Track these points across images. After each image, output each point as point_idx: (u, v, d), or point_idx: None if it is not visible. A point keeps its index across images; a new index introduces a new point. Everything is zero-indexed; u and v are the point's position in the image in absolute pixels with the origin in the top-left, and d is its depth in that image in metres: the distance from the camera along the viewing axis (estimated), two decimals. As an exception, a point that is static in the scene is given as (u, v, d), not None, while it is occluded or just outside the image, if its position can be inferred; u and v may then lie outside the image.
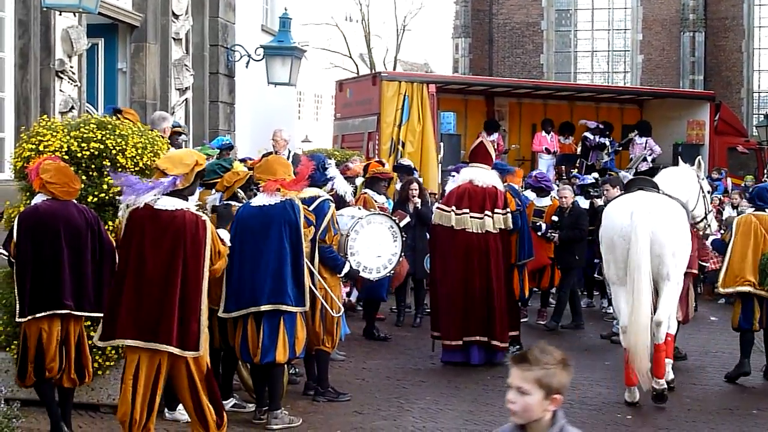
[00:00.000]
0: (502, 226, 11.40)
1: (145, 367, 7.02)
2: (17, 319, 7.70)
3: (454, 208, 11.45)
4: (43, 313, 7.53)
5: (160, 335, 6.98)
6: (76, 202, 7.73)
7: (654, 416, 9.39)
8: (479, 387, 10.43)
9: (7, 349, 8.33)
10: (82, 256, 7.54)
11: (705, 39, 36.15)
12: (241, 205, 8.79)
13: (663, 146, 22.52)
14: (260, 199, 8.53)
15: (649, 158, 22.25)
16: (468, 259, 11.35)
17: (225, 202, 8.90)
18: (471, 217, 11.36)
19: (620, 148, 22.86)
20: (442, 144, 15.91)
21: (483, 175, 11.56)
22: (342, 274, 9.52)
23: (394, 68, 45.24)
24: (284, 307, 8.39)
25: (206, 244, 7.12)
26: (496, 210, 11.37)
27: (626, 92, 27.03)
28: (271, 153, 13.46)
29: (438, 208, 11.83)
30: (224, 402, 8.05)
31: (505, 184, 12.09)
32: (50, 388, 7.74)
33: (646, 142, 22.42)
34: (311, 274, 8.90)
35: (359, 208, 11.17)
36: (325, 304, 9.23)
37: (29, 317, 7.55)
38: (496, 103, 23.71)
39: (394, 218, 10.94)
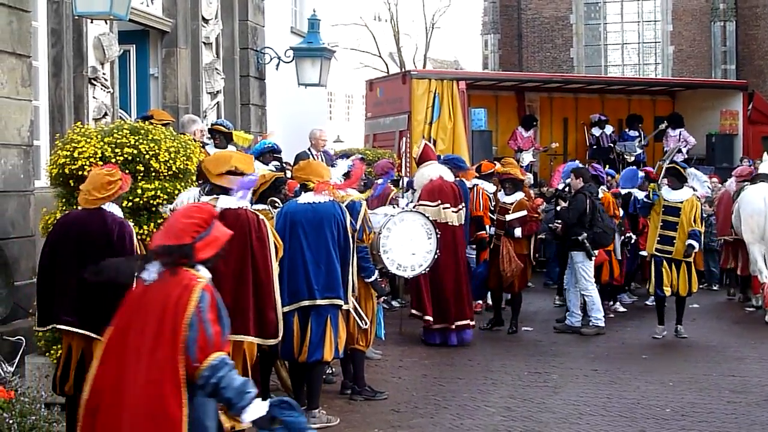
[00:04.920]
0: (462, 221, 12.36)
1: None
2: (34, 327, 7.72)
3: (439, 202, 12.07)
4: (45, 327, 7.47)
5: (237, 327, 7.18)
6: (115, 214, 7.36)
7: (693, 408, 9.35)
8: (516, 382, 10.43)
9: (47, 354, 8.41)
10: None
11: (736, 28, 35.83)
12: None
13: (696, 137, 22.35)
14: (309, 197, 8.65)
15: (684, 150, 22.09)
16: (453, 249, 12.07)
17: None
18: (452, 211, 12.13)
19: (646, 143, 22.69)
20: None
21: (440, 170, 12.41)
22: (370, 280, 9.49)
23: (424, 66, 45.17)
24: (338, 302, 8.56)
25: (269, 238, 7.55)
26: (461, 206, 12.31)
27: (658, 84, 26.80)
28: (303, 153, 13.58)
29: (422, 205, 11.98)
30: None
31: (457, 179, 12.72)
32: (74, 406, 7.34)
33: (680, 134, 22.28)
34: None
35: (393, 206, 11.28)
36: (354, 312, 9.24)
37: (38, 329, 7.59)
38: (527, 98, 23.62)
39: (427, 215, 10.98)
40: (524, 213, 12.91)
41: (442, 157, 13.38)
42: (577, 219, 13.07)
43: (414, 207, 11.93)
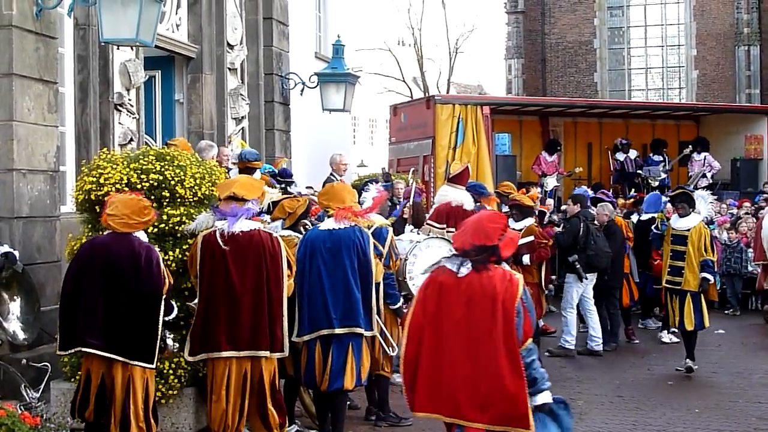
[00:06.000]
0: None
1: (234, 376, 7.78)
2: (57, 352, 7.72)
3: (445, 225, 12.09)
4: (70, 350, 7.47)
5: (258, 343, 7.77)
6: (141, 239, 7.47)
7: (720, 436, 9.29)
8: (541, 409, 10.35)
9: (72, 379, 8.42)
10: (119, 295, 7.28)
11: (760, 52, 35.73)
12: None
13: (721, 162, 22.28)
14: (329, 224, 8.64)
15: (709, 174, 22.04)
16: None
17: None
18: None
19: (671, 168, 22.62)
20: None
21: (463, 197, 12.38)
22: (395, 307, 9.47)
23: (448, 91, 45.31)
24: (358, 330, 8.48)
25: (282, 259, 7.86)
26: None
27: (682, 108, 26.74)
28: (330, 179, 13.60)
29: (428, 224, 12.10)
30: (287, 429, 8.16)
31: (478, 204, 12.75)
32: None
33: (704, 159, 22.20)
34: (376, 301, 8.95)
35: (418, 232, 11.28)
36: (382, 337, 9.21)
37: (60, 353, 7.57)
38: (551, 122, 23.61)
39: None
40: (531, 239, 12.64)
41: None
42: (572, 242, 13.14)
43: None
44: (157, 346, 7.35)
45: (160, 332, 7.36)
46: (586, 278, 13.24)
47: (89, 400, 7.37)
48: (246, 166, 11.72)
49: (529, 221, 12.93)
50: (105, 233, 7.61)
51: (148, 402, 7.43)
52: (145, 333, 7.30)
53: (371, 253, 8.63)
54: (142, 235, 7.52)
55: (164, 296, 7.41)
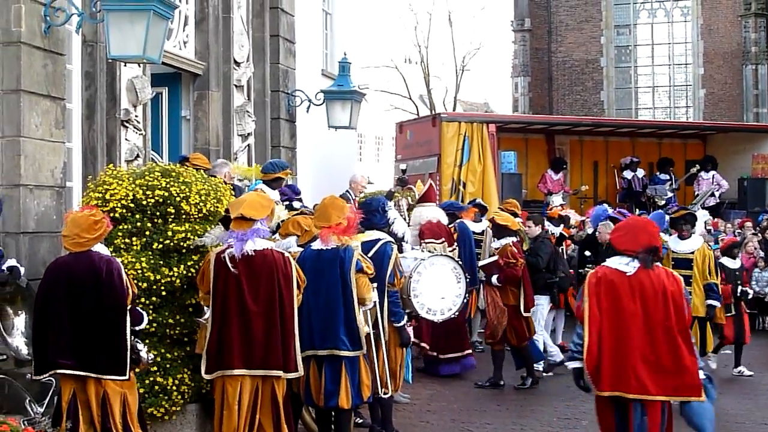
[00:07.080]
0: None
1: (246, 392, 7.77)
2: (33, 377, 7.66)
3: (443, 239, 12.70)
4: (45, 374, 7.43)
5: (269, 362, 7.77)
6: (101, 253, 7.47)
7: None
8: (545, 428, 10.35)
9: (77, 395, 8.41)
10: (83, 311, 7.29)
11: (768, 72, 35.81)
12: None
13: (728, 180, 22.28)
14: (317, 244, 8.67)
15: (717, 193, 22.02)
16: None
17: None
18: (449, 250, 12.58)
19: (677, 187, 22.61)
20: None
21: (437, 213, 13.15)
22: (398, 325, 9.45)
23: (454, 108, 45.34)
24: (338, 352, 8.48)
25: (294, 278, 7.89)
26: (454, 246, 12.88)
27: (689, 127, 26.73)
28: (344, 196, 13.70)
29: (427, 242, 12.54)
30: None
31: (460, 220, 13.63)
32: None
33: (713, 177, 22.20)
34: (379, 318, 8.93)
35: (422, 250, 11.29)
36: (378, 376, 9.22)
37: (36, 377, 7.54)
38: (557, 141, 23.63)
39: (457, 260, 10.97)
40: (494, 259, 12.36)
41: (441, 203, 14.17)
42: (547, 263, 13.15)
43: (421, 246, 12.24)
44: (128, 357, 7.33)
45: (129, 343, 7.33)
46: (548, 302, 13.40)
47: (61, 415, 7.38)
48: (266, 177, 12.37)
49: (506, 241, 12.32)
50: (67, 253, 7.61)
51: (128, 414, 7.39)
52: (113, 346, 7.28)
53: (352, 271, 8.57)
54: (101, 248, 7.52)
55: (129, 306, 7.37)
